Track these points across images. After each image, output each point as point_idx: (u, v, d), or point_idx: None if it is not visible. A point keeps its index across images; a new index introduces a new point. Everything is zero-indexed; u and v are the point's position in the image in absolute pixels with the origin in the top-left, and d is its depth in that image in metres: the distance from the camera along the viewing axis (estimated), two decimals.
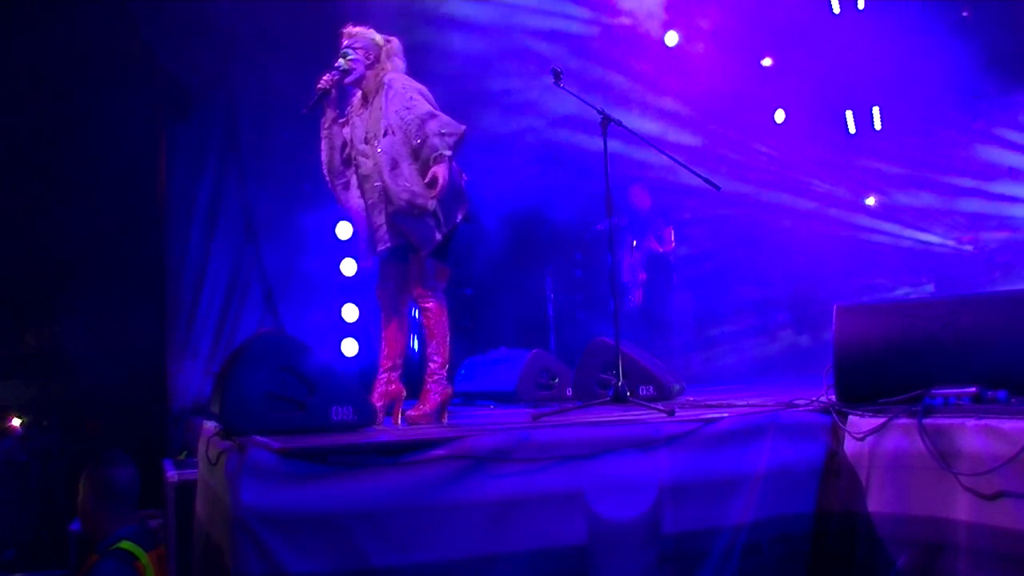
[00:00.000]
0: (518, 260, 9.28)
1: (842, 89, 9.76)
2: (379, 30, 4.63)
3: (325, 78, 4.44)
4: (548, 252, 9.39)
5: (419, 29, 7.33)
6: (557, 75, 4.50)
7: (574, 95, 4.58)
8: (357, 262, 8.32)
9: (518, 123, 8.66)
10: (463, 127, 4.36)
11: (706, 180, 4.71)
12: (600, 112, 4.49)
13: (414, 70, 4.65)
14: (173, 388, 8.05)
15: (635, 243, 7.90)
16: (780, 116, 10.07)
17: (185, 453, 7.00)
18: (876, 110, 9.68)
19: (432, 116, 4.34)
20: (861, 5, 9.32)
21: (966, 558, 2.94)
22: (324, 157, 4.59)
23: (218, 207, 8.52)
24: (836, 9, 9.43)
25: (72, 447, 8.10)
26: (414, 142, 4.31)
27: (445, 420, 4.49)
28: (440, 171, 4.26)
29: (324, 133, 4.57)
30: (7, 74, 7.46)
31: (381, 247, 4.47)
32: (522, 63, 7.95)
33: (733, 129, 9.88)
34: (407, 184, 4.32)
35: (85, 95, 7.59)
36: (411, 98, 4.39)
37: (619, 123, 4.51)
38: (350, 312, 8.74)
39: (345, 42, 4.53)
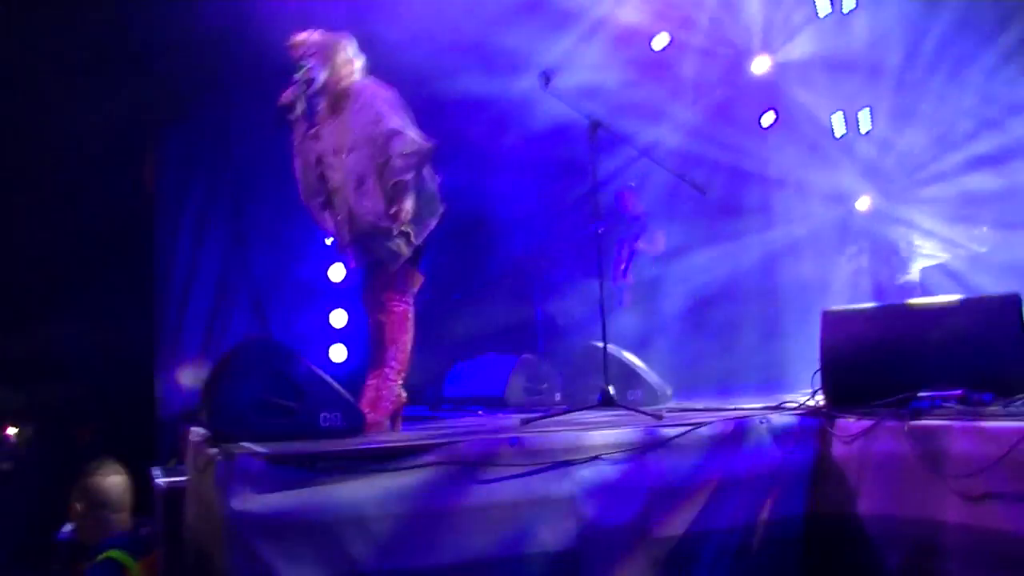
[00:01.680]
0: (506, 264, 9.28)
1: (831, 90, 9.78)
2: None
3: (287, 93, 4.29)
4: (537, 256, 9.39)
5: None
6: (546, 79, 4.49)
7: (562, 100, 4.58)
8: (346, 267, 8.32)
9: (502, 124, 8.66)
10: (428, 144, 4.25)
11: (693, 185, 4.73)
12: (588, 117, 4.50)
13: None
14: (162, 395, 8.02)
15: (625, 246, 7.92)
16: (769, 118, 10.08)
17: (174, 460, 6.96)
18: (866, 112, 9.69)
19: (397, 134, 4.20)
20: (847, 7, 9.32)
21: (955, 559, 2.96)
22: (299, 175, 4.44)
23: (208, 212, 8.48)
24: (822, 12, 9.43)
25: (60, 454, 8.04)
26: (379, 160, 4.21)
27: (399, 429, 4.40)
28: (404, 204, 4.19)
29: (296, 150, 4.43)
30: None
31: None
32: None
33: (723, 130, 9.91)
34: (371, 205, 4.23)
35: (75, 97, 7.54)
36: (379, 112, 4.26)
37: (607, 128, 4.52)
38: (338, 318, 8.72)
39: (297, 54, 4.36)
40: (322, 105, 4.48)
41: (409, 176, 4.20)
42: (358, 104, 4.32)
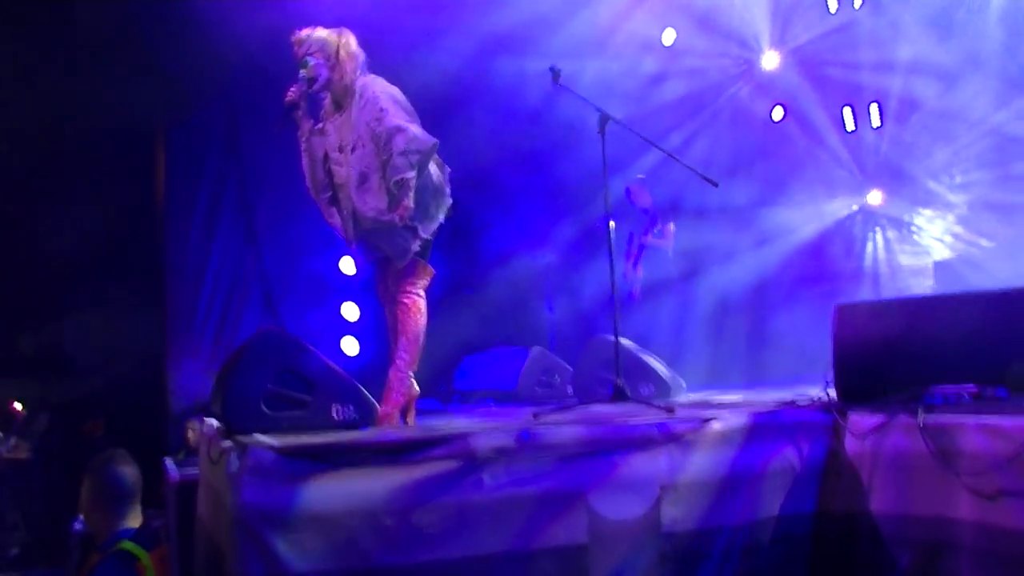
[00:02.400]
0: (518, 258, 9.29)
1: (841, 86, 9.75)
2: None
3: (292, 90, 4.28)
4: (548, 249, 9.40)
5: None
6: (556, 74, 4.48)
7: (573, 93, 4.56)
8: (356, 261, 8.35)
9: (512, 118, 8.66)
10: (431, 141, 4.22)
11: (704, 177, 4.71)
12: (599, 111, 4.48)
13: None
14: (173, 388, 8.07)
15: (635, 239, 7.91)
16: (778, 113, 10.05)
17: (183, 453, 7.00)
18: (875, 107, 9.65)
19: (399, 131, 4.17)
20: (858, 4, 9.27)
21: (968, 558, 2.93)
22: (306, 171, 4.44)
23: (218, 208, 8.53)
24: (833, 8, 9.38)
25: (72, 447, 8.09)
26: (382, 157, 4.20)
27: (411, 422, 4.41)
28: (406, 201, 4.15)
29: (304, 147, 4.42)
30: (5, 73, 7.46)
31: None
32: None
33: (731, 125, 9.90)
34: (374, 202, 4.23)
35: (84, 95, 7.58)
36: (382, 108, 4.23)
37: (618, 121, 4.50)
38: (350, 311, 8.74)
39: (300, 51, 4.34)
40: (327, 101, 4.47)
41: (411, 174, 4.17)
42: (362, 101, 4.29)
